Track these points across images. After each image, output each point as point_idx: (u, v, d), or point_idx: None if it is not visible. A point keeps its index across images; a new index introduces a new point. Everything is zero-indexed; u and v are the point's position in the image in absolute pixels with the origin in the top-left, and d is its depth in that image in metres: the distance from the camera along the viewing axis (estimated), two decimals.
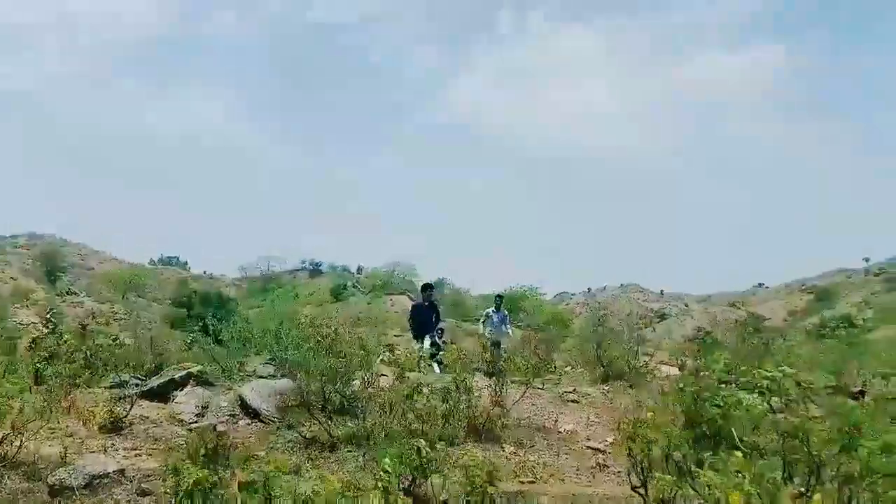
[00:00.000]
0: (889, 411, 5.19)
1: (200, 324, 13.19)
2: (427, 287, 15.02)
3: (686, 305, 72.29)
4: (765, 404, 5.06)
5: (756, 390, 5.18)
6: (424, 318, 13.59)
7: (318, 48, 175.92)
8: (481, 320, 15.47)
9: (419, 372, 9.54)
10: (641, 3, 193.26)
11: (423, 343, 13.14)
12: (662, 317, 66.79)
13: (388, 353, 8.95)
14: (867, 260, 68.48)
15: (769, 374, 5.15)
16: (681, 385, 5.84)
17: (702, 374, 7.54)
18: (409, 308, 15.36)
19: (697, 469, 4.64)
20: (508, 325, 15.06)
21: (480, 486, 5.54)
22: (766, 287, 75.93)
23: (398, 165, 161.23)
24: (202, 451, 5.21)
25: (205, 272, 74.52)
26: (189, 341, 13.21)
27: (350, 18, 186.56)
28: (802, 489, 4.37)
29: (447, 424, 6.98)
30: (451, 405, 7.43)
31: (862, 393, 8.95)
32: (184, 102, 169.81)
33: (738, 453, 4.21)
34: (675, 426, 5.24)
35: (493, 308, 15.23)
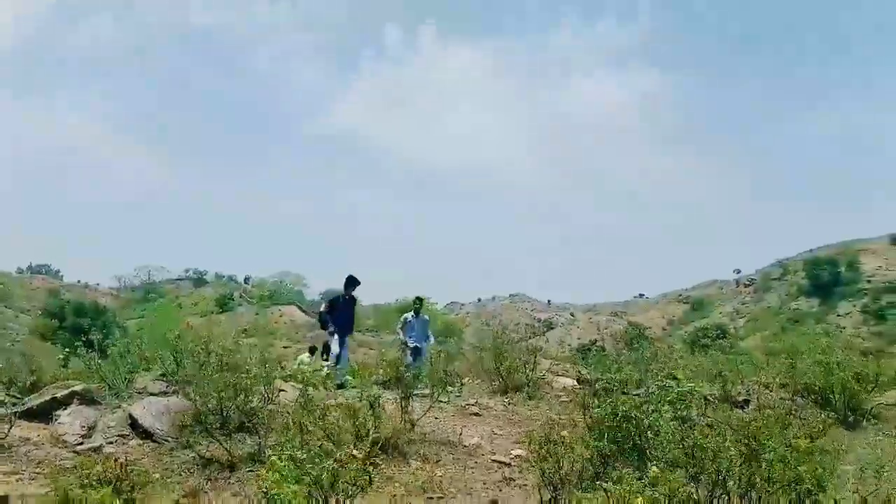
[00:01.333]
0: (779, 421, 5.55)
1: (83, 337, 12.37)
2: (352, 281, 13.32)
3: (572, 315, 74.78)
4: (676, 418, 5.31)
5: (665, 402, 5.43)
6: (345, 314, 12.66)
7: (199, 57, 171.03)
8: (399, 326, 14.27)
9: (323, 387, 9.34)
10: (529, 25, 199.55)
11: (336, 349, 12.50)
12: (550, 326, 68.74)
13: (292, 365, 8.67)
14: (738, 271, 73.22)
15: (680, 388, 5.40)
16: (595, 401, 6.02)
17: (600, 386, 7.78)
18: (325, 301, 13.88)
19: (609, 483, 4.79)
20: (429, 331, 14.03)
21: None
22: (646, 297, 79.70)
23: (284, 176, 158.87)
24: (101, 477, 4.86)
25: (79, 281, 70.39)
26: (65, 356, 12.36)
27: (235, 28, 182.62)
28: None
29: (357, 442, 6.87)
30: (362, 422, 7.32)
31: (746, 402, 9.51)
32: (53, 112, 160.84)
33: (655, 468, 4.38)
34: (585, 440, 5.41)
35: (412, 313, 14.08)
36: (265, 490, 4.74)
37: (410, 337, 13.51)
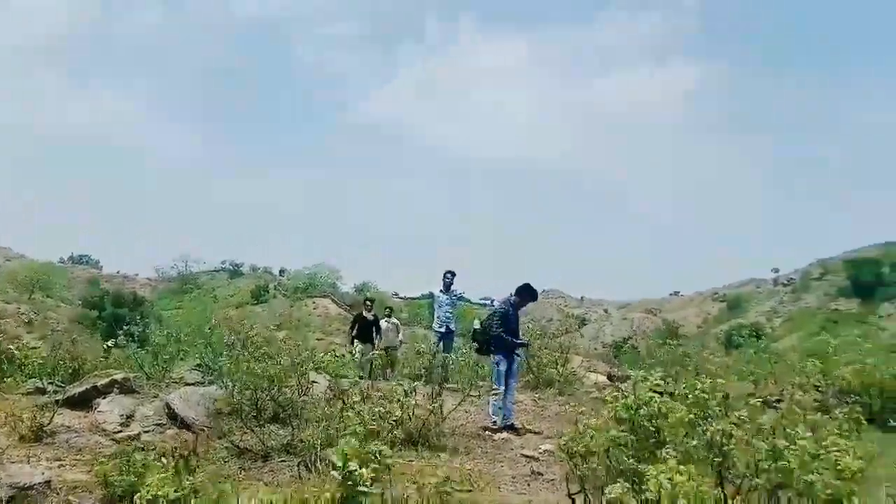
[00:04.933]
0: (808, 421, 5.50)
1: (123, 327, 12.71)
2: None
3: (606, 311, 74.29)
4: (696, 413, 5.28)
5: (688, 400, 5.42)
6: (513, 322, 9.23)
7: (243, 47, 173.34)
8: (429, 305, 12.96)
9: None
10: (567, 15, 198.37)
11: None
12: (583, 322, 68.36)
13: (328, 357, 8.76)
14: (776, 271, 71.93)
15: (700, 386, 5.38)
16: (621, 397, 6.00)
17: (632, 383, 7.74)
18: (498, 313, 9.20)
19: (638, 475, 4.79)
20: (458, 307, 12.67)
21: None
22: (681, 294, 78.74)
23: (323, 166, 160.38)
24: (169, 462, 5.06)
25: (118, 272, 71.85)
26: (108, 346, 12.68)
27: (278, 16, 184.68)
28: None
29: (392, 433, 6.94)
30: (402, 412, 7.41)
31: (779, 402, 9.40)
32: (100, 101, 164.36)
33: (672, 461, 4.38)
34: (615, 434, 5.40)
35: (442, 288, 12.36)
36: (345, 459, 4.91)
37: (438, 317, 12.31)
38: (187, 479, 4.98)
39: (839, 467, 4.52)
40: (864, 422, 7.68)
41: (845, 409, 5.78)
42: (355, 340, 14.47)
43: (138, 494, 4.71)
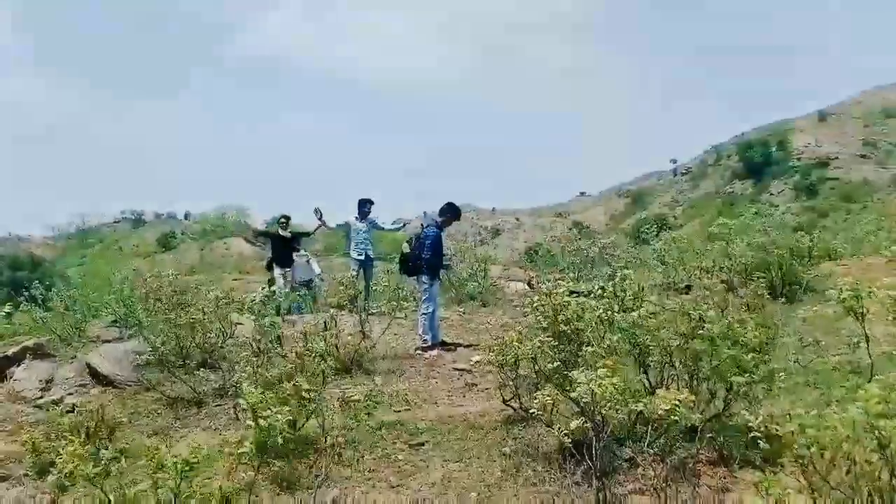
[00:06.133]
0: (716, 302, 5.86)
1: (24, 292, 12.09)
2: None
3: (517, 220, 75.73)
4: (611, 308, 5.54)
5: (600, 295, 5.69)
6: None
7: None
8: (346, 233, 12.63)
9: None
10: None
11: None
12: (497, 233, 69.56)
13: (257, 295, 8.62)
14: (674, 161, 74.60)
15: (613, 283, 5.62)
16: (536, 301, 6.19)
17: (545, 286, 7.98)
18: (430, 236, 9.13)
19: (564, 376, 5.03)
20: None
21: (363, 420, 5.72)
22: (588, 195, 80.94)
23: (207, 103, 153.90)
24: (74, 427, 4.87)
25: (10, 234, 67.87)
26: (7, 312, 12.08)
27: None
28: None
29: (321, 363, 6.97)
30: (325, 344, 7.43)
31: (689, 288, 9.93)
32: None
33: (608, 361, 4.60)
34: (538, 339, 5.61)
35: (358, 216, 12.23)
36: (253, 409, 4.83)
37: (357, 244, 12.18)
38: (105, 449, 4.77)
39: (745, 341, 4.85)
40: (767, 296, 8.28)
41: (749, 288, 6.20)
42: (274, 265, 13.40)
43: (53, 473, 4.53)
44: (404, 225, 12.81)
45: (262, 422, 4.85)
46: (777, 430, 3.94)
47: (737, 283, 9.51)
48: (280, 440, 4.85)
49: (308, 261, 14.38)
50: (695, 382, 5.01)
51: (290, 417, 5.13)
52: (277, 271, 13.26)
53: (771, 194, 57.83)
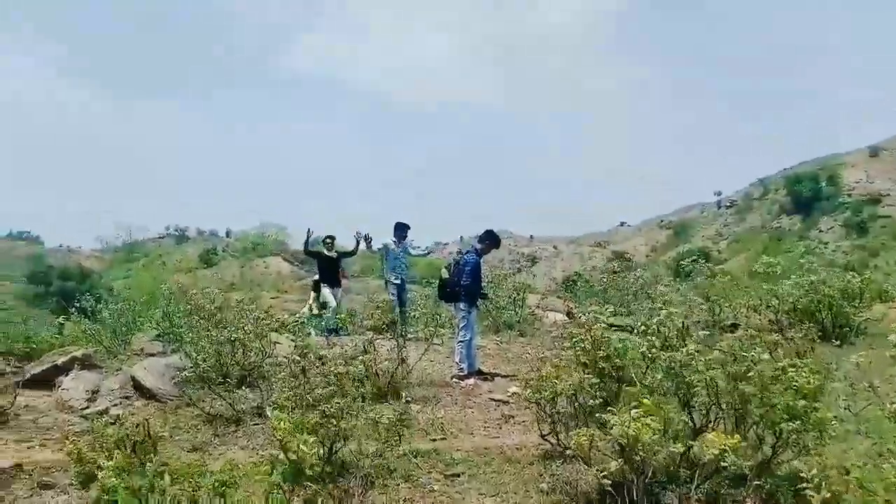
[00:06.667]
0: (765, 343, 5.70)
1: (75, 302, 12.39)
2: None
3: (555, 248, 75.27)
4: (654, 346, 5.42)
5: (645, 333, 5.57)
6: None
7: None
8: (382, 257, 12.48)
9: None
10: None
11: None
12: (534, 260, 69.20)
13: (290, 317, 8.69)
14: (719, 193, 73.42)
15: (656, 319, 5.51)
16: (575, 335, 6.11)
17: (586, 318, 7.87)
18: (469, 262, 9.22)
19: (606, 413, 4.93)
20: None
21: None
22: (628, 225, 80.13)
23: (252, 118, 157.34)
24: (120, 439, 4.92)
25: (61, 245, 69.80)
26: (61, 323, 12.41)
27: None
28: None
29: (358, 388, 6.97)
30: (363, 369, 7.42)
31: (735, 326, 9.70)
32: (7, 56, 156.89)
33: (646, 400, 4.49)
34: (577, 373, 5.52)
35: (394, 239, 12.13)
36: (279, 439, 4.81)
37: (394, 269, 12.11)
38: (150, 462, 4.82)
39: (796, 387, 4.71)
40: (816, 339, 8.06)
41: (798, 329, 6.01)
42: (322, 285, 13.23)
43: (95, 485, 4.58)
44: (429, 252, 12.90)
45: (290, 455, 4.82)
46: (830, 481, 3.80)
47: (785, 324, 9.27)
48: (309, 471, 4.81)
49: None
50: (742, 426, 4.87)
51: (320, 449, 5.10)
52: (326, 290, 13.18)
53: (820, 231, 56.55)
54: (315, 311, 13.33)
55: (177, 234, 71.78)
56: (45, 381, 8.49)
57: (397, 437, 5.71)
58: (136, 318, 11.72)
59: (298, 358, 7.68)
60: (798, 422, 4.49)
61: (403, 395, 6.28)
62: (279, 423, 4.91)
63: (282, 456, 4.91)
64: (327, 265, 13.39)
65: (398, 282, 12.10)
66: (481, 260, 9.22)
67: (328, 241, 13.73)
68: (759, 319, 9.15)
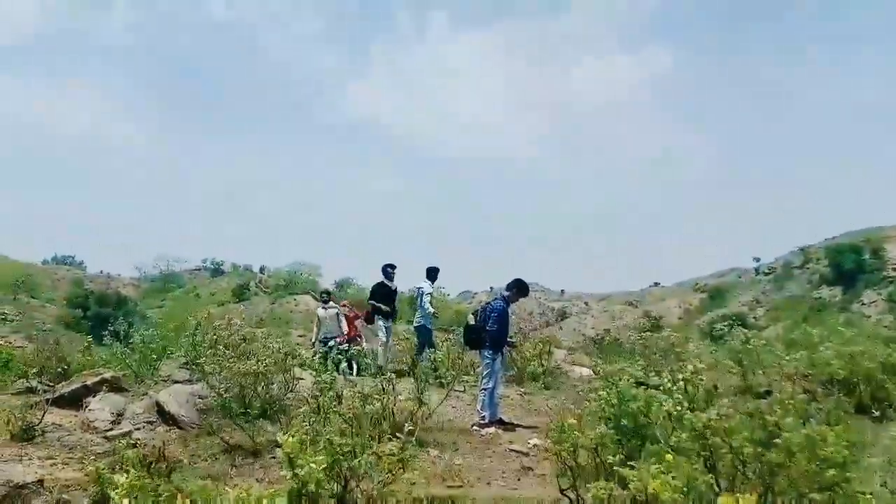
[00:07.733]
0: (797, 411, 5.54)
1: (109, 327, 12.65)
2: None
3: (586, 304, 74.48)
4: (681, 405, 5.31)
5: (672, 391, 5.47)
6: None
7: (215, 46, 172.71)
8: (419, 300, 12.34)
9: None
10: (540, 6, 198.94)
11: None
12: (564, 315, 68.49)
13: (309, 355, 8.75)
14: (757, 260, 72.23)
15: (684, 377, 5.41)
16: (601, 390, 6.03)
17: (613, 377, 7.77)
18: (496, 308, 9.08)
19: (625, 469, 4.82)
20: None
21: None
22: (662, 286, 79.06)
23: (297, 165, 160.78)
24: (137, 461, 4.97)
25: (101, 272, 71.18)
26: (87, 344, 12.58)
27: (248, 17, 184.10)
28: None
29: (375, 428, 6.93)
30: (381, 408, 7.38)
31: (768, 393, 9.45)
32: (72, 100, 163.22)
33: (669, 455, 4.40)
34: (601, 426, 5.44)
35: (427, 282, 12.29)
36: (289, 457, 4.82)
37: (424, 312, 12.06)
38: (164, 484, 4.87)
39: (825, 456, 4.56)
40: (853, 411, 7.82)
41: (833, 399, 5.83)
42: (376, 318, 12.29)
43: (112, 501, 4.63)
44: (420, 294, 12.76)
45: (298, 471, 4.83)
46: None
47: (820, 394, 9.01)
48: (314, 488, 4.81)
49: (337, 313, 13.36)
50: (770, 494, 4.72)
51: (335, 485, 5.08)
52: (381, 323, 12.34)
53: (863, 304, 55.13)
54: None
55: (212, 267, 72.78)
56: (74, 401, 8.62)
57: (400, 469, 5.62)
58: (165, 346, 11.87)
59: (318, 394, 7.71)
60: (828, 493, 4.34)
61: (406, 427, 6.18)
62: (288, 440, 4.94)
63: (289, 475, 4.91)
64: (388, 297, 12.45)
65: (418, 324, 12.07)
66: (509, 308, 9.17)
67: (389, 268, 12.65)
68: (793, 388, 8.89)
